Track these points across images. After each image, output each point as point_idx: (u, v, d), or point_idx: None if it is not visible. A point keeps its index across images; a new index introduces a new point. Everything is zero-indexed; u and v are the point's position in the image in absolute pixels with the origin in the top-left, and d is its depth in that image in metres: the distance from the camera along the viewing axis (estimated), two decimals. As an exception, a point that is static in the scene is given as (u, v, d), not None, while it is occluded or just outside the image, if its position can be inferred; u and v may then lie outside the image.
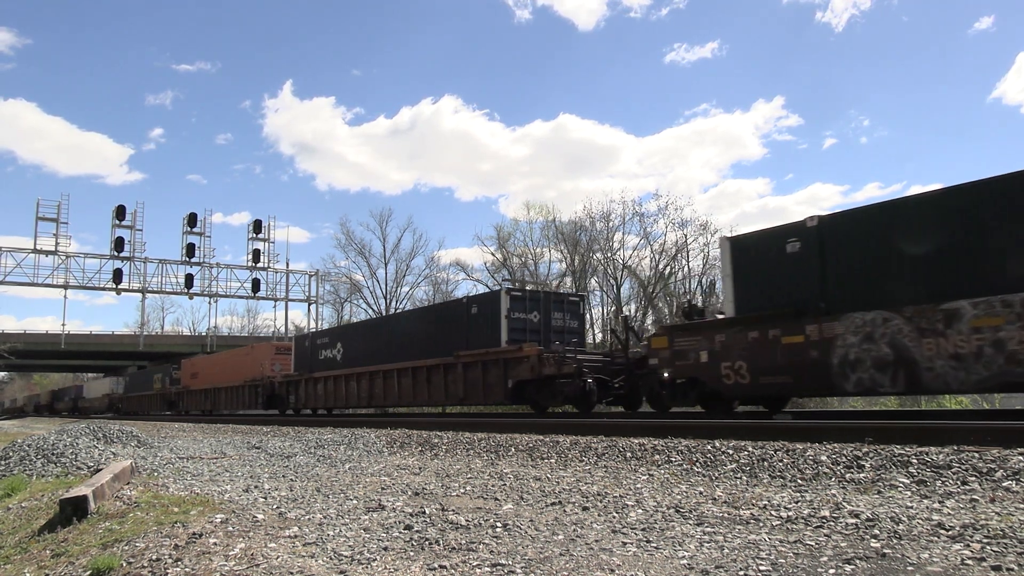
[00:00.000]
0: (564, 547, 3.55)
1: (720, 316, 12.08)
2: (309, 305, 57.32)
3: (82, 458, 9.02)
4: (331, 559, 3.45)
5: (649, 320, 37.88)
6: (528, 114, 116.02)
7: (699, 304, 17.22)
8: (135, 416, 40.91)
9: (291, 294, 56.42)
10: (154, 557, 3.73)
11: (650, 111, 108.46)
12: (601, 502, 4.78)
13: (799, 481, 5.31)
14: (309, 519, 4.43)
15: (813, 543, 3.46)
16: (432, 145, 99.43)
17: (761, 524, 3.95)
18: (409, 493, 5.52)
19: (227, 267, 54.69)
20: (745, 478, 5.61)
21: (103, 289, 50.22)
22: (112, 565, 3.77)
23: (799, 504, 4.41)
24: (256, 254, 54.38)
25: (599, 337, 36.06)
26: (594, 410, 14.89)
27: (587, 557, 3.34)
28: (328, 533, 3.99)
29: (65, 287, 48.75)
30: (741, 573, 2.99)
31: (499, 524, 4.10)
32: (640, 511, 4.42)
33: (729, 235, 11.87)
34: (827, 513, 4.07)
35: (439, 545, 3.66)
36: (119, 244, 49.44)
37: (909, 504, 4.25)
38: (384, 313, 49.31)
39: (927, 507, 4.15)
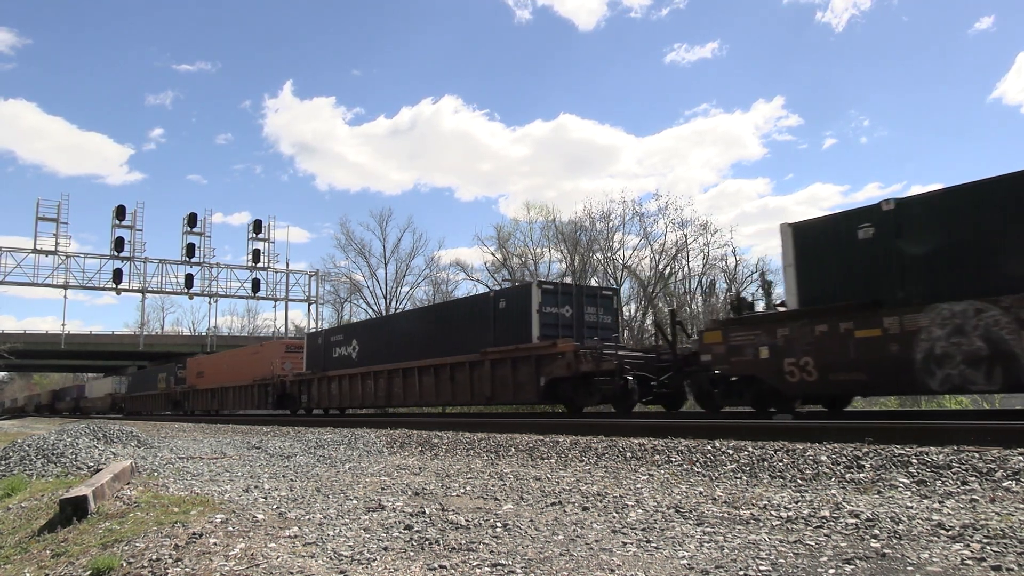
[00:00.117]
0: (564, 547, 3.55)
1: (781, 308, 11.22)
2: (309, 305, 57.43)
3: (82, 458, 9.02)
4: (331, 559, 3.45)
5: (649, 320, 37.88)
6: (528, 114, 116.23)
7: (747, 299, 16.36)
8: (138, 416, 40.78)
9: (291, 294, 56.55)
10: (154, 557, 3.73)
11: (650, 111, 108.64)
12: (601, 502, 4.78)
13: (799, 481, 5.31)
14: (309, 519, 4.43)
15: (813, 543, 3.47)
16: (432, 145, 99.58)
17: (761, 524, 3.95)
18: (409, 493, 5.52)
19: (227, 267, 54.85)
20: (745, 478, 5.61)
21: (103, 289, 50.38)
22: (112, 565, 3.77)
23: (799, 504, 4.41)
24: (256, 254, 54.47)
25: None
26: (634, 410, 14.13)
27: (587, 557, 3.34)
28: (328, 533, 3.99)
29: (65, 287, 48.85)
30: (741, 573, 2.99)
31: (499, 524, 4.10)
32: (640, 511, 4.42)
33: (791, 221, 11.00)
34: (827, 513, 4.07)
35: (439, 545, 3.66)
36: (119, 244, 49.52)
37: (909, 504, 4.25)
38: (384, 313, 49.30)
39: (927, 507, 4.15)
